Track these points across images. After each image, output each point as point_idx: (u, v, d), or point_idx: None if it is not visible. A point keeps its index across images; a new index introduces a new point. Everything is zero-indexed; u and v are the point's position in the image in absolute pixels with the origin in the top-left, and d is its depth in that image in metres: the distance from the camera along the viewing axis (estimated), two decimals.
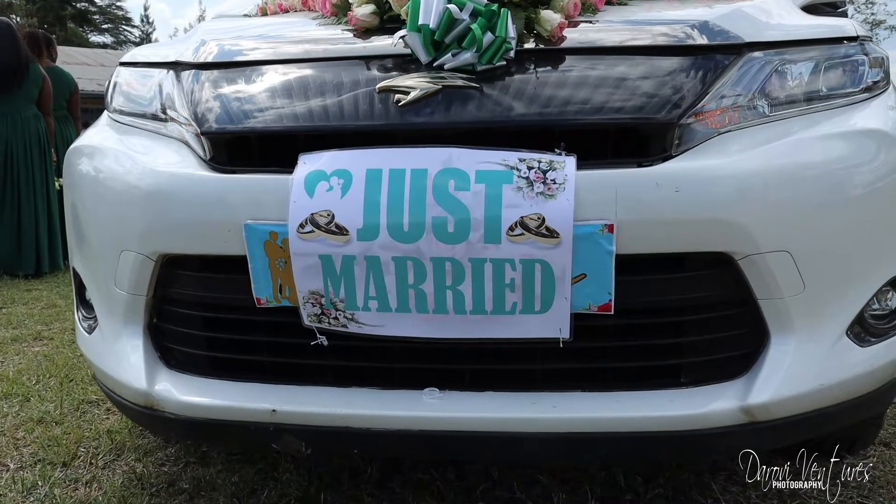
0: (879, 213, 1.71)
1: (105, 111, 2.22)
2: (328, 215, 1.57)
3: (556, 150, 1.57)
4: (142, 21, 57.41)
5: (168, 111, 1.91)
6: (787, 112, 1.76)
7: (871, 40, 2.02)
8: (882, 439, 2.59)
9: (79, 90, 6.86)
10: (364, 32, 1.78)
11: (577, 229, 1.52)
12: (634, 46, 1.69)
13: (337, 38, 1.81)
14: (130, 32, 57.72)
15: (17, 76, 5.93)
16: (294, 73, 1.76)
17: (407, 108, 1.62)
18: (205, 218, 1.68)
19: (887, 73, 2.07)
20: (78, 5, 51.00)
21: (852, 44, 1.94)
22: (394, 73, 1.69)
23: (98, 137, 2.05)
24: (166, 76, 1.97)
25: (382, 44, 1.75)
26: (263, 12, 2.59)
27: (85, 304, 2.11)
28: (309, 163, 1.62)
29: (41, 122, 6.14)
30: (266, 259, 1.64)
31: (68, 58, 32.71)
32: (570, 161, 1.55)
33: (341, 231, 1.56)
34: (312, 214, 1.57)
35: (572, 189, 1.52)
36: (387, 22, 1.77)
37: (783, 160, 1.63)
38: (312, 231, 1.57)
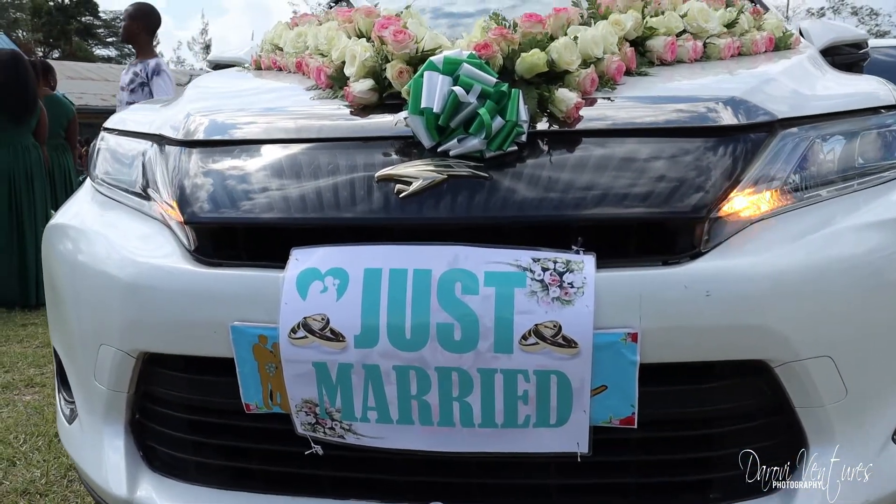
0: None
1: (88, 178, 2.09)
2: (322, 320, 1.43)
3: (573, 246, 1.43)
4: None
5: (150, 191, 1.77)
6: (824, 193, 1.62)
7: None
8: None
9: (77, 119, 6.75)
10: (362, 109, 1.63)
11: (598, 338, 1.37)
12: (658, 128, 1.54)
13: (333, 115, 1.66)
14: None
15: (29, 110, 5.91)
16: (286, 155, 1.62)
17: (409, 200, 1.48)
18: (188, 317, 1.54)
19: None
20: (83, 19, 51.15)
21: (890, 112, 1.80)
22: (395, 157, 1.54)
23: (79, 215, 1.91)
24: (150, 150, 1.84)
25: (382, 123, 1.60)
26: (258, 65, 2.47)
27: (66, 385, 1.96)
28: (302, 259, 1.48)
29: (40, 152, 6.08)
30: (255, 363, 1.50)
31: (72, 72, 32.76)
32: (590, 261, 1.40)
33: (337, 337, 1.42)
34: (305, 318, 1.43)
35: (591, 293, 1.37)
36: (387, 98, 1.63)
37: (823, 255, 1.48)
38: (305, 336, 1.43)
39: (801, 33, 3.08)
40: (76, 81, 30.66)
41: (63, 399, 2.01)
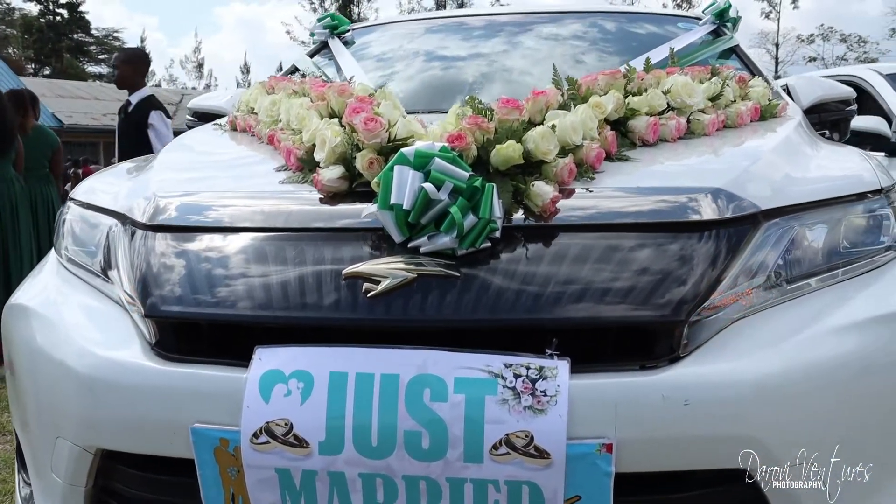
0: None
1: (53, 250, 2.02)
2: (286, 425, 1.37)
3: (547, 350, 1.37)
4: None
5: (112, 273, 1.71)
6: (808, 286, 1.57)
7: (892, 189, 1.83)
8: None
9: (61, 149, 6.67)
10: (332, 197, 1.57)
11: (571, 449, 1.32)
12: (636, 224, 1.49)
13: (301, 202, 1.60)
14: None
15: (9, 141, 5.80)
16: (252, 244, 1.56)
17: (377, 300, 1.42)
18: (147, 416, 1.47)
19: None
20: (74, 37, 51.11)
21: (876, 197, 1.76)
22: (365, 251, 1.49)
23: (41, 293, 1.84)
24: (114, 228, 1.77)
25: (352, 213, 1.54)
26: (234, 126, 2.41)
27: (25, 466, 1.89)
28: (265, 359, 1.42)
29: (22, 183, 5.98)
30: (216, 466, 1.43)
31: (63, 91, 32.67)
32: (564, 367, 1.35)
33: (301, 443, 1.36)
34: (268, 423, 1.37)
35: (565, 402, 1.32)
36: (358, 186, 1.57)
37: (805, 358, 1.43)
38: (268, 442, 1.37)
39: (787, 90, 3.06)
40: (66, 100, 30.56)
41: (22, 480, 1.93)
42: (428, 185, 1.40)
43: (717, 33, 3.29)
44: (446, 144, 1.46)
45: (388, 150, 1.54)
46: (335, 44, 3.37)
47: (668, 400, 1.34)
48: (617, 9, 3.73)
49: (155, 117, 5.63)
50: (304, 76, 2.95)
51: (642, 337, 1.42)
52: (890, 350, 1.51)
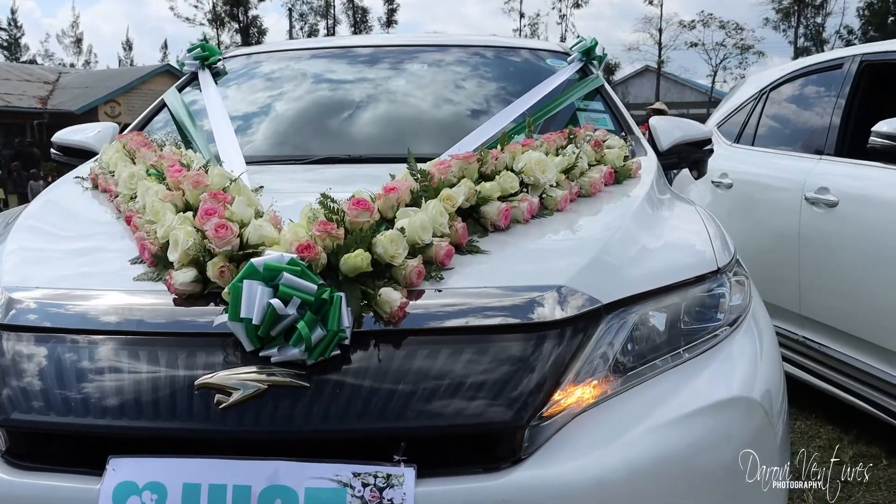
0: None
1: None
2: None
3: (395, 456, 1.43)
4: (9, 24, 54.60)
5: None
6: (650, 371, 1.67)
7: (730, 266, 1.96)
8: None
9: None
10: (186, 298, 1.58)
11: None
12: (481, 326, 1.56)
13: (154, 304, 1.60)
14: None
15: None
16: (104, 348, 1.55)
17: (229, 411, 1.44)
18: None
19: (749, 290, 2.02)
20: None
21: (714, 277, 1.88)
22: (218, 357, 1.50)
23: None
24: None
25: (205, 317, 1.55)
26: (95, 183, 2.37)
27: None
28: (119, 470, 1.43)
29: None
30: None
31: None
32: (410, 474, 1.41)
33: None
34: None
35: None
36: (212, 289, 1.58)
37: (645, 453, 1.53)
38: None
39: (649, 129, 3.19)
40: None
41: None
42: (276, 302, 1.43)
43: (583, 71, 3.40)
44: (295, 256, 1.49)
45: (240, 257, 1.55)
46: (204, 77, 3.32)
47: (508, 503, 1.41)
48: (486, 41, 3.80)
49: None
50: (176, 119, 2.92)
51: (485, 441, 1.50)
52: (727, 434, 1.63)
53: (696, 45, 46.07)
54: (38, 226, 2.09)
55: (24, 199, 17.31)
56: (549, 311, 1.59)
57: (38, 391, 1.53)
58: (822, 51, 42.64)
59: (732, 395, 1.69)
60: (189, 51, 3.50)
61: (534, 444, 1.50)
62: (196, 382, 1.47)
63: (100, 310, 1.61)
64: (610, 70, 45.87)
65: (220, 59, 3.52)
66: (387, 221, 1.70)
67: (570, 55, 3.48)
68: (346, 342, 1.50)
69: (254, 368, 1.47)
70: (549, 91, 3.04)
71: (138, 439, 1.48)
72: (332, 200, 1.67)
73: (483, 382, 1.50)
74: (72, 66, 51.05)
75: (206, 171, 1.87)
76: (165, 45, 68.98)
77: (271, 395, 1.45)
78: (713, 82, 46.35)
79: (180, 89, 3.36)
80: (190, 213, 1.69)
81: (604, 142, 2.47)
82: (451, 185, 1.84)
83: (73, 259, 1.87)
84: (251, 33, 51.95)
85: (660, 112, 12.36)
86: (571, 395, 1.56)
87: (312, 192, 1.75)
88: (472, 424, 1.47)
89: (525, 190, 1.99)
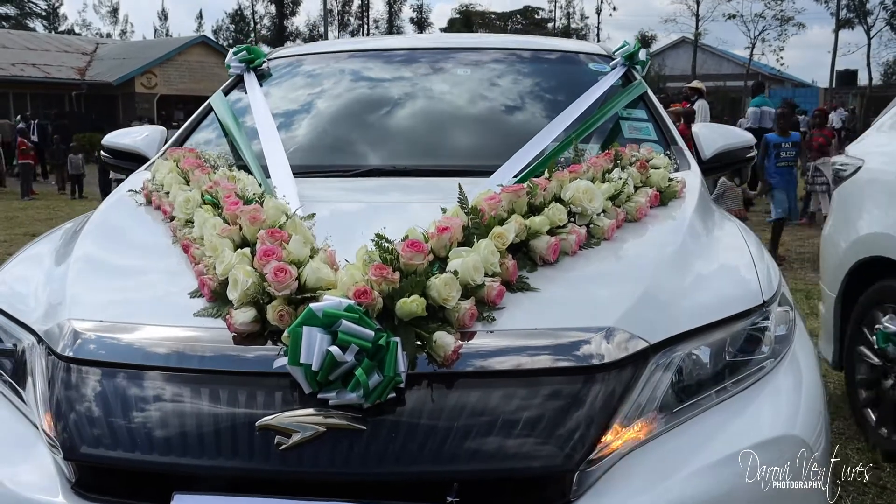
0: None
1: None
2: None
3: (448, 498, 1.48)
4: None
5: (27, 395, 1.74)
6: (695, 410, 1.70)
7: (775, 297, 1.98)
8: None
9: None
10: (246, 337, 1.63)
11: None
12: (531, 369, 1.59)
13: (215, 341, 1.65)
14: (35, 4, 55.35)
15: None
16: (167, 386, 1.61)
17: (289, 452, 1.50)
18: None
19: (794, 320, 2.04)
20: None
21: (759, 311, 1.90)
22: (277, 397, 1.56)
23: None
24: (31, 349, 1.80)
25: (265, 358, 1.60)
26: (148, 199, 2.43)
27: None
28: None
29: None
30: None
31: None
32: None
33: None
34: None
35: None
36: (270, 329, 1.63)
37: (696, 494, 1.58)
38: None
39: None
40: None
41: None
42: (334, 349, 1.48)
43: (626, 76, 3.40)
44: (352, 303, 1.53)
45: (298, 301, 1.60)
46: (250, 81, 3.36)
47: None
48: (531, 43, 3.79)
49: None
50: (224, 129, 2.97)
51: (535, 484, 1.54)
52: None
53: (734, 16, 45.26)
54: (99, 252, 2.15)
55: (63, 172, 17.58)
56: (598, 353, 1.62)
57: (105, 426, 1.59)
58: (866, 23, 41.94)
59: (777, 435, 1.72)
60: (235, 53, 3.54)
61: (582, 487, 1.54)
62: (257, 424, 1.52)
63: (163, 346, 1.66)
64: (646, 42, 45.29)
65: (265, 62, 3.55)
66: (439, 260, 1.73)
67: (613, 59, 3.47)
68: (401, 385, 1.54)
69: (312, 410, 1.52)
70: (594, 100, 3.04)
71: (201, 477, 1.54)
72: (387, 240, 1.71)
73: (534, 425, 1.54)
74: (108, 35, 51.41)
75: (262, 204, 1.91)
76: (200, 16, 69.12)
77: (329, 437, 1.51)
78: (751, 54, 45.66)
79: (226, 92, 3.41)
80: (247, 250, 1.74)
81: (648, 161, 2.48)
82: (502, 220, 1.87)
83: (134, 290, 1.93)
84: (285, 3, 51.94)
85: (697, 91, 12.26)
86: (620, 438, 1.59)
87: (363, 217, 1.77)
88: (523, 468, 1.51)
89: (573, 219, 2.01)
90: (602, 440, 1.57)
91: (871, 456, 3.47)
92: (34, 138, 19.66)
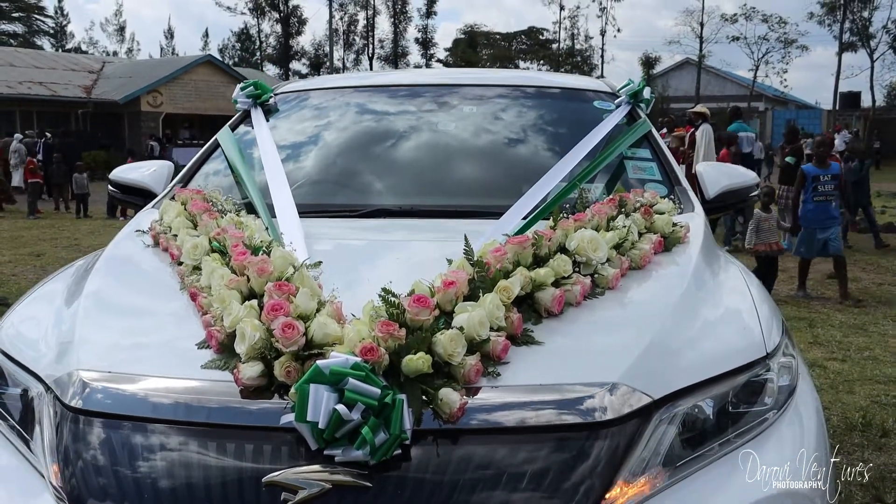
0: None
1: None
2: None
3: None
4: (56, 12, 55.53)
5: (34, 445, 1.76)
6: (699, 463, 1.71)
7: (778, 348, 1.99)
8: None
9: None
10: (253, 390, 1.65)
11: None
12: (536, 425, 1.61)
13: (222, 394, 1.66)
14: (43, 22, 55.78)
15: None
16: (175, 440, 1.62)
17: None
18: None
19: (797, 368, 2.05)
20: None
21: (762, 363, 1.91)
22: (282, 451, 1.57)
23: None
24: (39, 399, 1.81)
25: (271, 413, 1.61)
26: (155, 241, 2.45)
27: None
28: None
29: None
30: None
31: None
32: None
33: None
34: None
35: None
36: (278, 384, 1.64)
37: None
38: None
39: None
40: None
41: None
42: (341, 408, 1.49)
43: (630, 115, 3.42)
44: (359, 360, 1.54)
45: (305, 357, 1.62)
46: (257, 116, 3.39)
47: None
48: (535, 81, 3.83)
49: None
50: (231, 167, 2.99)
51: None
52: None
53: (737, 38, 45.46)
54: (107, 298, 2.17)
55: (64, 192, 17.65)
56: (602, 409, 1.63)
57: (112, 478, 1.60)
58: (869, 46, 42.05)
59: (780, 491, 1.72)
60: (242, 88, 3.57)
61: None
62: (264, 480, 1.53)
63: (170, 398, 1.68)
64: (650, 64, 45.50)
65: (271, 97, 3.58)
66: (445, 315, 1.75)
67: (618, 96, 3.50)
68: (407, 441, 1.55)
69: (318, 467, 1.53)
70: (600, 140, 3.07)
71: None
72: (393, 295, 1.72)
73: (539, 481, 1.55)
74: (115, 53, 51.75)
75: (269, 253, 1.93)
76: (206, 34, 69.59)
77: (335, 494, 1.52)
78: (755, 76, 45.82)
79: (233, 128, 3.44)
80: (255, 302, 1.76)
81: (652, 207, 2.50)
82: (507, 273, 1.88)
83: (142, 339, 1.94)
84: (291, 23, 52.26)
85: (702, 115, 12.29)
86: (623, 495, 1.60)
87: (370, 261, 1.79)
88: None
89: (577, 269, 2.03)
90: (607, 496, 1.58)
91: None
92: (39, 157, 19.75)
